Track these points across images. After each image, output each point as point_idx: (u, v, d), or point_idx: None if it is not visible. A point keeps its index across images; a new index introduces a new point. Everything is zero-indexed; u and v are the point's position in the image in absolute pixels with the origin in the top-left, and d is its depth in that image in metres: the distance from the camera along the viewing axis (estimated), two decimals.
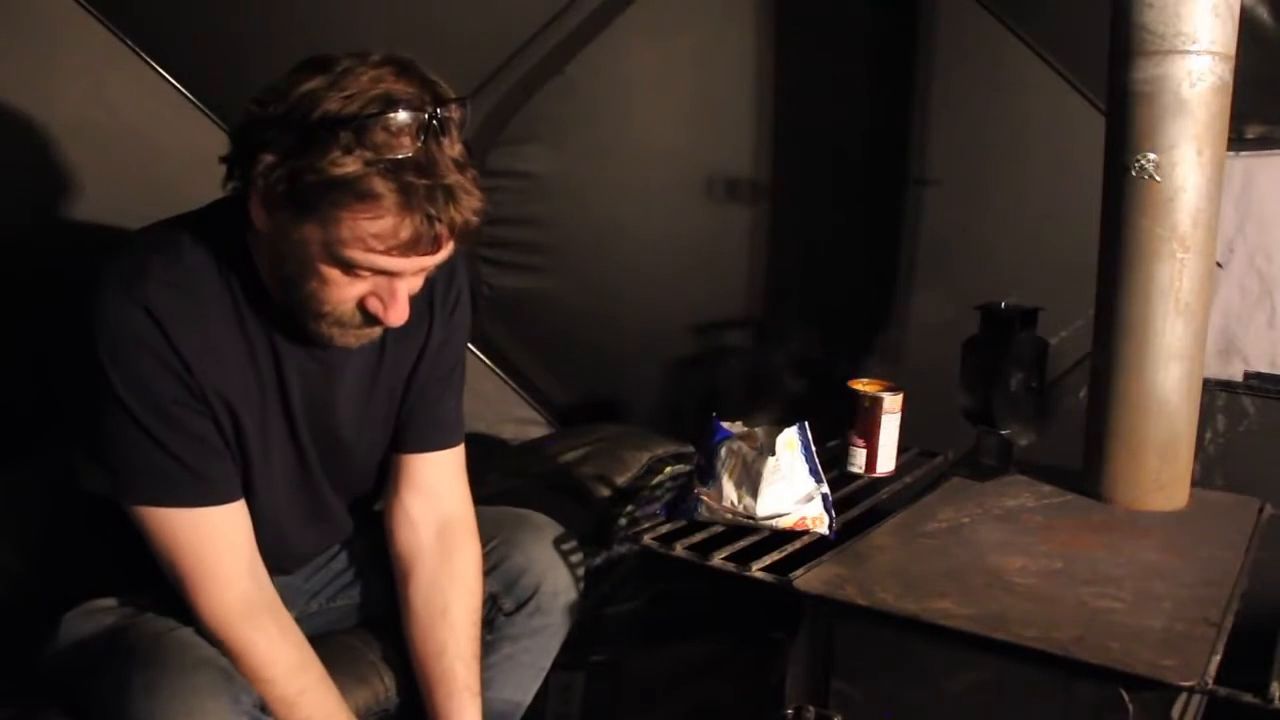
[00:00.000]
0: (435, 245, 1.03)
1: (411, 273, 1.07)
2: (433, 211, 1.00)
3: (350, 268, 1.03)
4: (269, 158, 1.00)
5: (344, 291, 1.06)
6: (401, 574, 1.31)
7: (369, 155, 0.98)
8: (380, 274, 1.05)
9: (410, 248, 1.01)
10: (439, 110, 1.01)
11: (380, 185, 0.98)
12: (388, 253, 1.01)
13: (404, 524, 1.31)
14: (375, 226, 0.99)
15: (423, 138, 1.00)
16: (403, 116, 0.99)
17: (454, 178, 1.01)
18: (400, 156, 0.98)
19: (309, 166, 0.98)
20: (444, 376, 1.30)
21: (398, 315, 1.08)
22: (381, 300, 1.07)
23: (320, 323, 1.09)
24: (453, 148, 1.03)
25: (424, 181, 0.99)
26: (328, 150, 0.98)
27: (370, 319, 1.09)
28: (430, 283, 1.18)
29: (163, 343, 1.06)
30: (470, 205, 1.03)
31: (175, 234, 1.11)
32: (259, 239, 1.10)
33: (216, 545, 1.12)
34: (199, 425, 1.11)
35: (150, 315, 1.05)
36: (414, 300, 1.11)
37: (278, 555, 1.24)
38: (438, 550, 1.30)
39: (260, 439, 1.17)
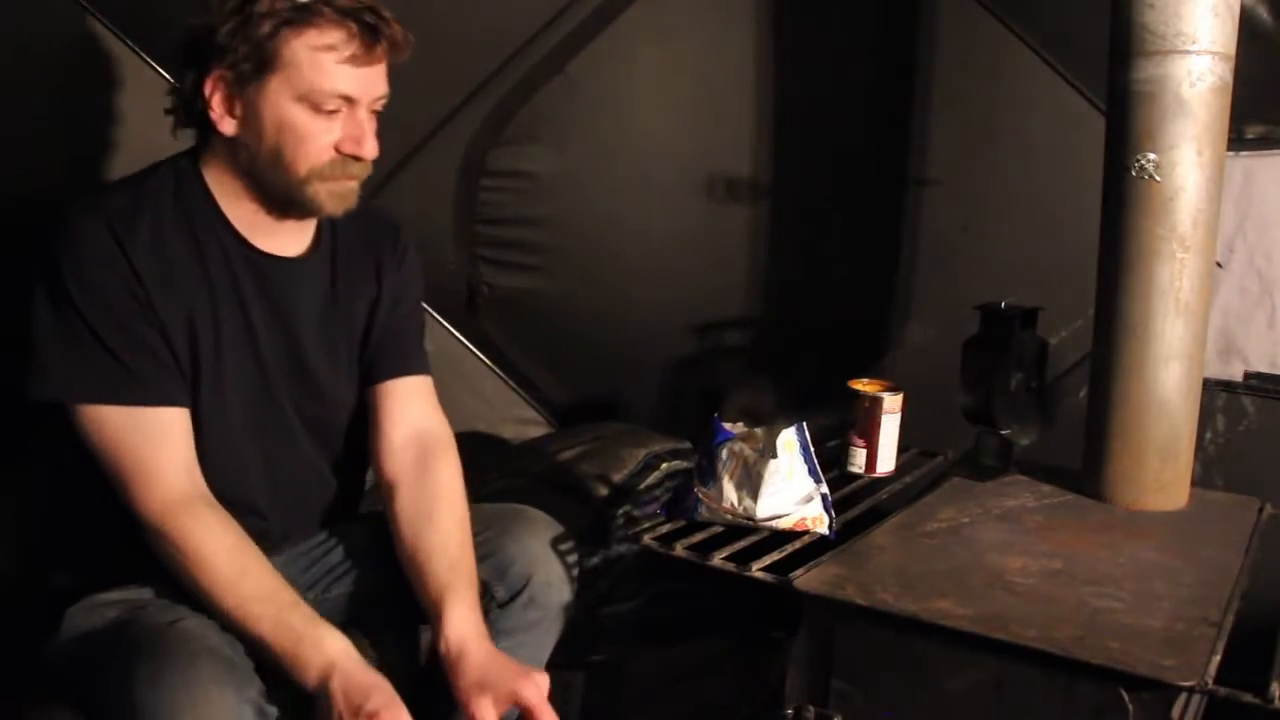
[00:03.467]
0: (380, 56, 1.21)
1: (366, 97, 1.22)
2: (368, 20, 1.19)
3: (317, 103, 1.19)
4: (229, 49, 1.17)
5: (320, 139, 1.21)
6: (388, 500, 1.34)
7: None
8: (341, 99, 1.20)
9: (363, 59, 1.19)
10: None
11: (320, 6, 1.17)
12: (345, 64, 1.18)
13: (386, 453, 1.35)
14: (326, 39, 1.17)
15: None
16: None
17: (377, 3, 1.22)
18: None
19: (259, 24, 1.16)
20: (403, 321, 1.42)
21: (369, 146, 1.23)
22: (354, 139, 1.22)
23: (307, 187, 1.23)
24: None
25: (349, 2, 1.19)
26: (268, 3, 1.16)
27: (349, 159, 1.23)
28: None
29: (121, 258, 1.16)
30: (400, 28, 1.23)
31: (134, 176, 1.26)
32: (221, 156, 1.24)
33: (155, 445, 1.17)
34: (148, 335, 1.18)
35: (111, 232, 1.16)
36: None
37: (243, 490, 1.28)
38: (420, 468, 1.34)
39: (215, 355, 1.24)
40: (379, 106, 1.26)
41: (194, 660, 1.06)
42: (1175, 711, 1.04)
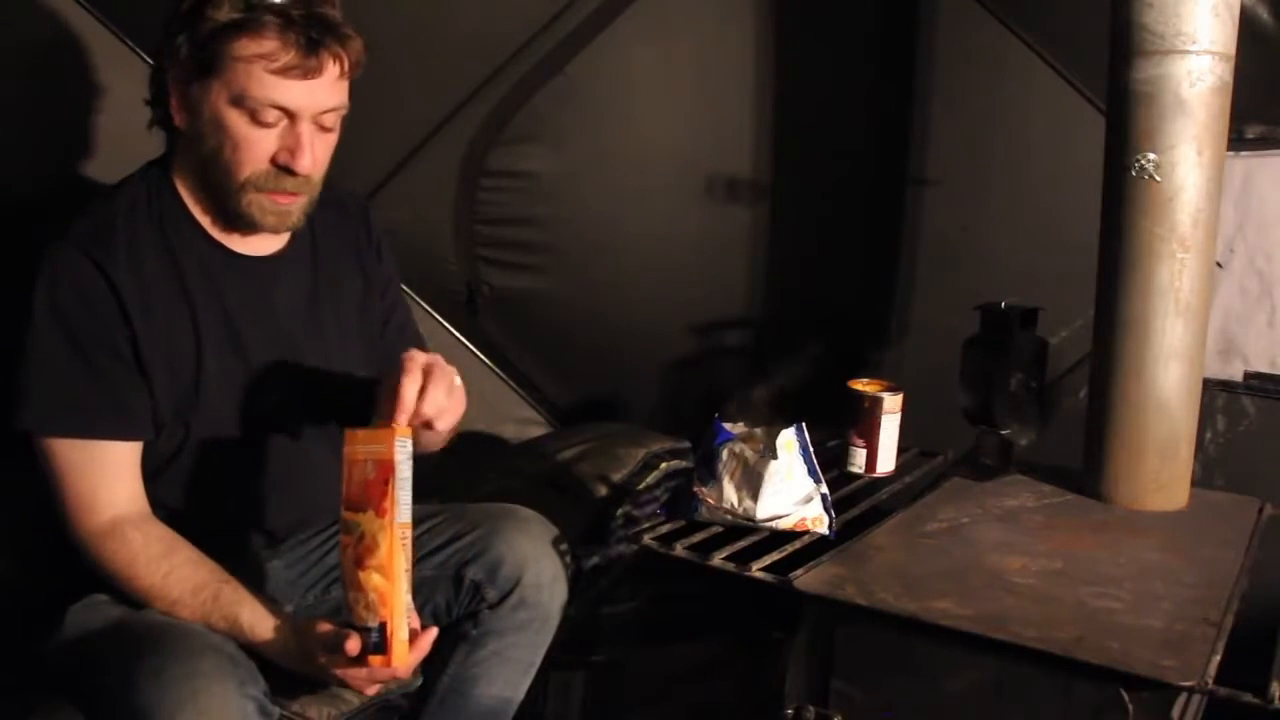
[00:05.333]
0: (318, 69, 1.17)
1: (307, 110, 1.19)
2: (313, 35, 1.16)
3: (253, 110, 1.17)
4: (178, 47, 1.17)
5: (255, 147, 1.19)
6: None
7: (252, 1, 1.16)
8: (279, 111, 1.18)
9: (297, 69, 1.16)
10: None
11: (264, 15, 1.15)
12: (279, 74, 1.16)
13: None
14: (262, 47, 1.15)
15: None
16: None
17: (331, 13, 1.19)
18: (280, 1, 1.16)
19: (204, 26, 1.16)
20: (395, 309, 1.47)
21: (304, 161, 1.20)
22: (289, 150, 1.20)
23: (242, 196, 1.21)
24: (325, 3, 1.20)
25: (299, 12, 1.17)
26: (216, 4, 1.15)
27: (284, 172, 1.21)
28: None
29: (102, 283, 1.18)
30: (351, 39, 1.20)
31: (107, 193, 1.26)
32: (183, 157, 1.25)
33: (97, 478, 1.19)
34: (113, 368, 1.19)
35: (90, 259, 1.17)
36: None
37: (235, 499, 1.30)
38: None
39: (197, 367, 1.25)
40: (329, 121, 1.23)
41: (196, 656, 1.06)
42: (1175, 711, 1.04)
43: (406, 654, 1.10)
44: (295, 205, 1.25)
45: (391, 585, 1.09)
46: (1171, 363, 1.41)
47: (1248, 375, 1.81)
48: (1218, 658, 1.00)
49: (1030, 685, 1.02)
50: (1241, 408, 1.81)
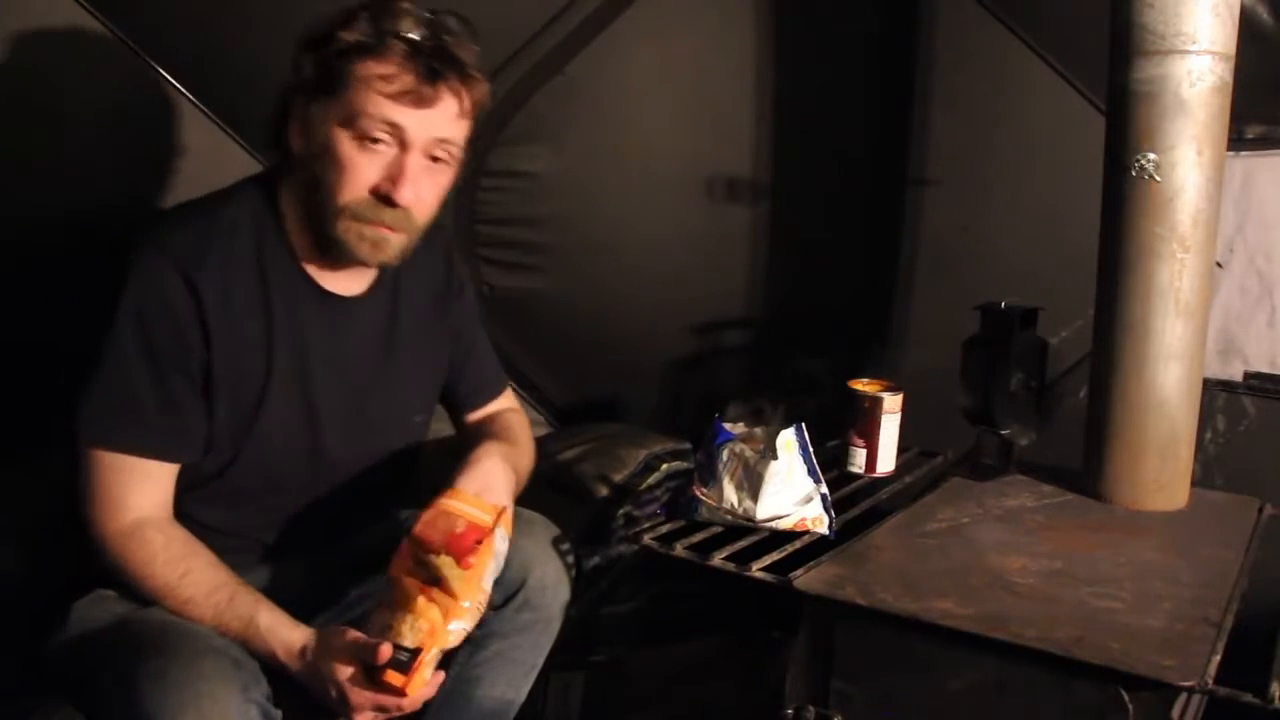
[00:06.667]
0: (433, 99, 1.17)
1: (417, 139, 1.17)
2: (436, 65, 1.16)
3: (362, 132, 1.16)
4: (304, 67, 1.18)
5: (358, 172, 1.17)
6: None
7: (384, 26, 1.16)
8: (388, 135, 1.16)
9: (411, 95, 1.15)
10: (442, 14, 1.20)
11: (392, 41, 1.16)
12: (393, 99, 1.15)
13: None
14: (383, 69, 1.15)
15: (430, 26, 1.18)
16: (408, 6, 1.18)
17: (461, 52, 1.19)
18: (411, 34, 1.16)
19: (333, 46, 1.16)
20: (473, 350, 1.48)
21: (405, 191, 1.18)
22: (392, 179, 1.17)
23: (338, 222, 1.19)
24: (460, 43, 1.20)
25: (430, 43, 1.17)
26: (348, 27, 1.16)
27: (383, 204, 1.18)
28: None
29: (189, 302, 1.16)
30: (476, 80, 1.20)
31: (211, 202, 1.24)
32: (291, 181, 1.24)
33: (131, 486, 1.18)
34: (182, 389, 1.19)
35: (183, 278, 1.16)
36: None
37: (268, 522, 1.32)
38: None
39: (263, 382, 1.24)
40: (439, 152, 1.20)
41: (198, 658, 1.06)
42: (1175, 711, 1.04)
43: (422, 686, 1.11)
44: (393, 238, 1.21)
45: (443, 626, 1.12)
46: (1171, 363, 1.41)
47: (1248, 375, 1.81)
48: (1218, 658, 0.99)
49: (1030, 685, 1.02)
50: (1241, 408, 1.81)
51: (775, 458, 1.29)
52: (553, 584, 1.34)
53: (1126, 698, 0.96)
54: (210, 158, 1.70)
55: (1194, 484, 1.48)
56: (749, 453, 1.31)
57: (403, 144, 1.18)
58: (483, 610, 1.17)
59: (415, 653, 1.10)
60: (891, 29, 2.10)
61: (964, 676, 1.06)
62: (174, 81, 1.67)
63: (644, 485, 1.97)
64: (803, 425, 1.34)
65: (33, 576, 1.35)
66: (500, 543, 1.20)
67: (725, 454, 1.32)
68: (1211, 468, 1.79)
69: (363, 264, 1.25)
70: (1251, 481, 1.62)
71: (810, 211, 2.22)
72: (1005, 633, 1.03)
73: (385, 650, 1.09)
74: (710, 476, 1.32)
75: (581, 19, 1.98)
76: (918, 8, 2.05)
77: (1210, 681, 0.95)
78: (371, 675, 1.10)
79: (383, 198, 1.18)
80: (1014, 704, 1.04)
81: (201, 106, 1.71)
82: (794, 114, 2.12)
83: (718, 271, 2.24)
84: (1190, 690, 0.96)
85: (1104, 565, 1.23)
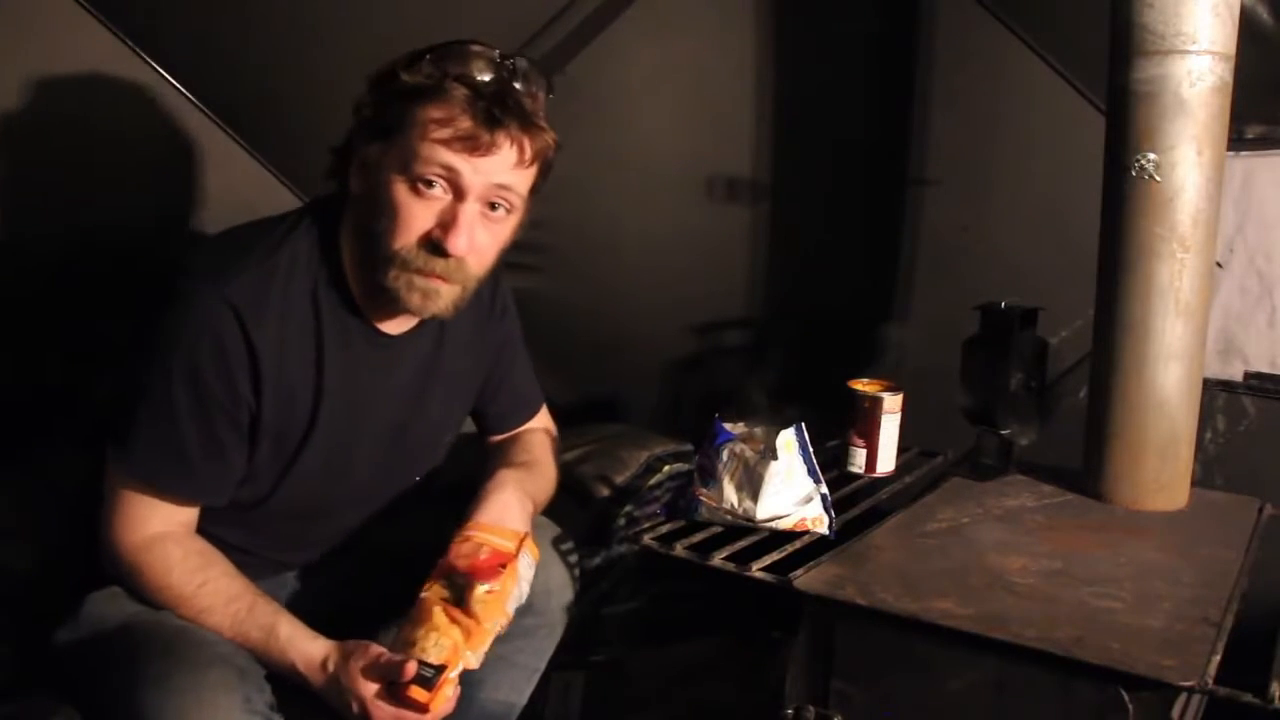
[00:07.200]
0: (490, 147, 1.12)
1: (473, 186, 1.13)
2: (496, 111, 1.12)
3: (417, 177, 1.12)
4: (365, 104, 1.16)
5: (410, 219, 1.13)
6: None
7: (447, 68, 1.13)
8: (444, 181, 1.13)
9: (468, 140, 1.11)
10: (513, 59, 1.17)
11: (453, 85, 1.12)
12: (448, 144, 1.11)
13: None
14: (438, 113, 1.11)
15: (496, 71, 1.15)
16: (479, 49, 1.16)
17: (525, 101, 1.16)
18: (477, 77, 1.13)
19: (393, 87, 1.14)
20: (509, 368, 1.46)
21: (459, 240, 1.13)
22: (444, 226, 1.13)
23: (389, 269, 1.15)
24: (526, 90, 1.16)
25: (492, 89, 1.13)
26: (411, 69, 1.14)
27: (434, 254, 1.14)
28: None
29: (239, 341, 1.14)
30: (538, 129, 1.16)
31: (272, 231, 1.21)
32: (350, 221, 1.20)
33: (157, 505, 1.17)
34: (224, 432, 1.17)
35: (235, 315, 1.13)
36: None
37: (292, 548, 1.33)
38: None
39: (309, 424, 1.22)
40: (498, 200, 1.16)
41: (203, 667, 1.06)
42: (1175, 711, 1.04)
43: (444, 703, 1.12)
44: (444, 289, 1.17)
45: (467, 645, 1.13)
46: (1171, 363, 1.41)
47: (1248, 375, 1.81)
48: (1218, 658, 0.99)
49: (1030, 685, 1.02)
50: (1241, 408, 1.81)
51: (775, 458, 1.29)
52: (557, 588, 1.34)
53: (1126, 698, 0.96)
54: (210, 157, 1.70)
55: (1194, 484, 1.48)
56: (749, 453, 1.31)
57: (458, 191, 1.13)
58: (502, 628, 1.18)
59: (440, 669, 1.10)
60: (891, 29, 2.10)
61: (964, 676, 1.06)
62: (174, 81, 1.67)
63: (646, 486, 1.97)
64: (803, 425, 1.34)
65: (45, 576, 1.34)
66: (526, 569, 1.22)
67: (725, 454, 1.32)
68: (1211, 468, 1.79)
69: (415, 314, 1.22)
70: (1251, 481, 1.62)
71: (810, 211, 2.22)
72: (1005, 633, 1.03)
73: (411, 667, 1.09)
74: (710, 477, 1.32)
75: (581, 19, 1.98)
76: (918, 8, 2.05)
77: (1210, 681, 0.95)
78: (395, 691, 1.10)
79: (435, 246, 1.14)
80: (1014, 704, 1.04)
81: (202, 106, 1.71)
82: (794, 114, 2.12)
83: (718, 271, 2.23)
84: (1190, 690, 0.96)
85: (1104, 565, 1.23)
